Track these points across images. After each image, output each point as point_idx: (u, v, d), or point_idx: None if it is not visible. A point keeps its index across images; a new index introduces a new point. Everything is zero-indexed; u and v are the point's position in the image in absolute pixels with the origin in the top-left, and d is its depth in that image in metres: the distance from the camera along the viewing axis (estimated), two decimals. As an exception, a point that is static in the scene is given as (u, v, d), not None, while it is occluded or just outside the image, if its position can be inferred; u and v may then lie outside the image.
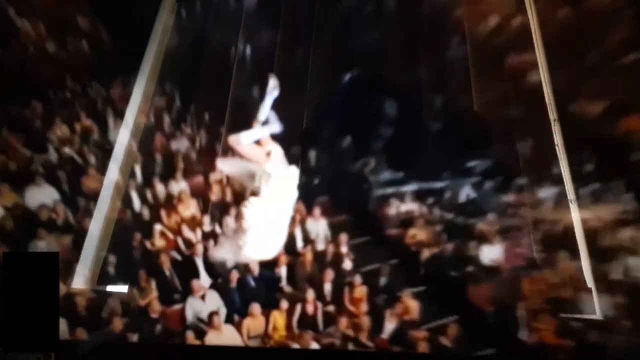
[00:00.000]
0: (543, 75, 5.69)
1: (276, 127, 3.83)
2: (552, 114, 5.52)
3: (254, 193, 3.63)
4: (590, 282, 4.83)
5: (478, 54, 6.16)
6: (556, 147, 5.38)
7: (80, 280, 5.27)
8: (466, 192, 5.46)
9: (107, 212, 5.63)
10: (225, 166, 4.78)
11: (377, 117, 5.92)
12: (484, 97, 5.90)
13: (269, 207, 3.55)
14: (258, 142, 3.76)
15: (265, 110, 3.76)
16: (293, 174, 3.75)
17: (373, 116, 5.93)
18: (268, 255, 3.92)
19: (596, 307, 4.73)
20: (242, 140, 3.68)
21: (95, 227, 5.53)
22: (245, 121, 3.91)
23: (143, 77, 6.51)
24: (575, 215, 5.04)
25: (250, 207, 3.56)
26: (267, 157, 3.68)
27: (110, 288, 5.27)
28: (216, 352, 4.75)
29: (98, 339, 4.65)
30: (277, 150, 3.77)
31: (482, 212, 5.29)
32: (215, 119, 6.33)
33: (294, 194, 3.75)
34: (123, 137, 6.08)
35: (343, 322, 4.86)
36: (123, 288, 5.18)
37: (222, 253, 4.79)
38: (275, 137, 3.87)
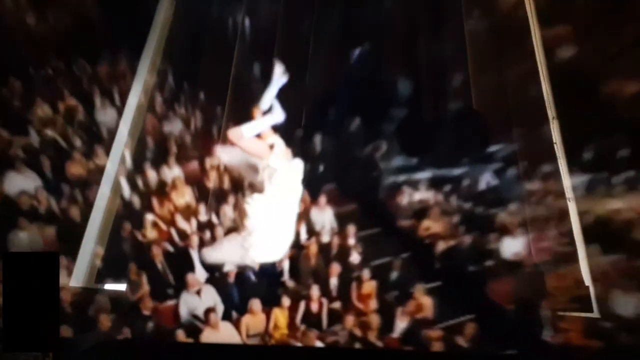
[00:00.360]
0: (543, 73, 5.55)
1: (279, 116, 3.60)
2: (551, 112, 5.46)
3: (256, 188, 3.39)
4: (588, 280, 4.77)
5: (504, 25, 6.01)
6: (555, 145, 5.30)
7: (77, 278, 5.09)
8: (486, 180, 5.28)
9: (107, 203, 5.48)
10: (225, 155, 4.67)
11: (389, 97, 5.71)
12: (506, 77, 5.78)
13: (273, 204, 3.32)
14: (259, 136, 3.68)
15: (269, 98, 3.50)
16: (298, 167, 3.52)
17: (384, 96, 5.72)
18: (276, 256, 3.70)
19: (594, 306, 4.69)
20: (243, 133, 3.46)
21: (95, 219, 5.37)
22: (246, 104, 3.70)
23: (146, 59, 6.31)
24: (573, 212, 5.00)
25: (254, 204, 3.33)
26: (270, 150, 3.44)
27: (107, 286, 5.12)
28: (214, 350, 4.60)
29: (89, 338, 4.51)
30: (280, 143, 3.71)
31: (503, 202, 5.12)
32: (211, 99, 6.16)
33: (299, 189, 3.52)
34: (124, 125, 5.90)
35: (350, 320, 4.68)
36: (120, 286, 5.02)
37: (224, 254, 4.50)
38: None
